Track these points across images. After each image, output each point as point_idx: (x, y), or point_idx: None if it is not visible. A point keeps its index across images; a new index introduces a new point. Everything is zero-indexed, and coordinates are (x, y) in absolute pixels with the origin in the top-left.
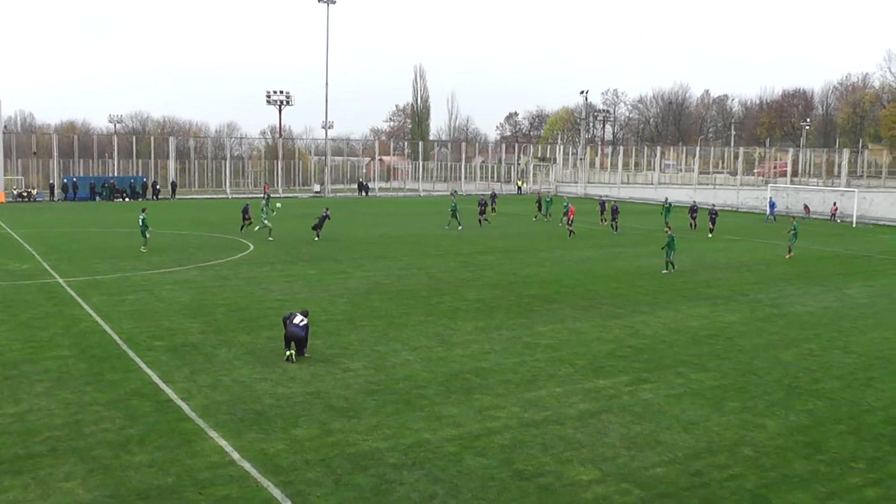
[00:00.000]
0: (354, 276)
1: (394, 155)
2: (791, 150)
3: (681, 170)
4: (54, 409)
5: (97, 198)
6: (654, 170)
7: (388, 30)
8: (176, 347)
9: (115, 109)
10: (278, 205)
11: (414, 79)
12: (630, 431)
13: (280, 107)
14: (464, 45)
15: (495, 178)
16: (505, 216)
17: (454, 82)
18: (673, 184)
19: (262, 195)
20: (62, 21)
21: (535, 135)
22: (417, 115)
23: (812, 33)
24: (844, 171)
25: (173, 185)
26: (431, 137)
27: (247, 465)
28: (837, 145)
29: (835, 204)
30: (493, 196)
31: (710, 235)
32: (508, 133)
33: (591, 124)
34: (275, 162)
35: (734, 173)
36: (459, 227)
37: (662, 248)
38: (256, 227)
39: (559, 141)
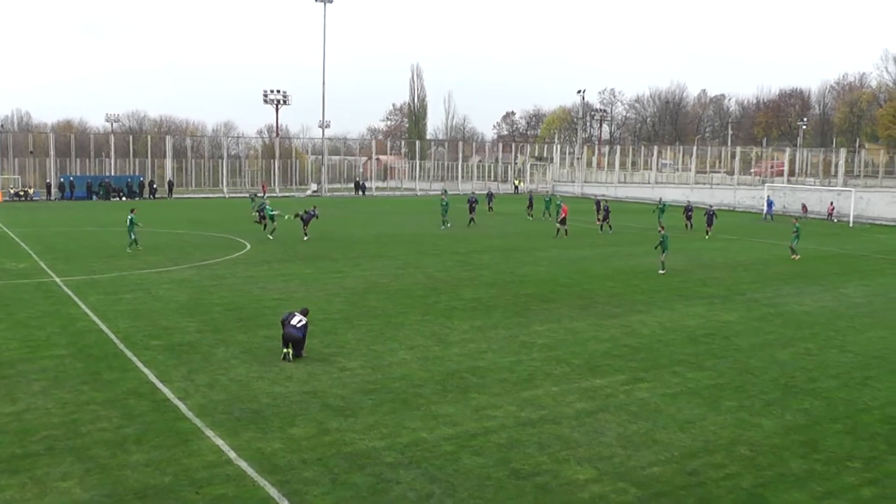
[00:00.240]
0: (351, 276)
1: (391, 154)
2: (788, 150)
3: (678, 169)
4: (51, 409)
5: (94, 197)
6: (650, 169)
7: (386, 29)
8: (173, 346)
9: (111, 108)
10: (276, 212)
11: (411, 78)
12: (626, 430)
13: (277, 106)
14: (461, 44)
15: (492, 178)
16: (502, 215)
17: (451, 81)
18: (670, 183)
19: (261, 194)
20: (60, 20)
21: (532, 134)
22: (414, 115)
23: (809, 33)
24: (841, 170)
25: (170, 185)
26: (428, 137)
27: (243, 465)
28: (834, 145)
29: (832, 203)
30: (490, 195)
31: (706, 236)
32: (505, 132)
33: (587, 124)
34: (272, 161)
35: (731, 173)
36: (448, 226)
37: (656, 248)
38: (270, 233)
39: (556, 140)
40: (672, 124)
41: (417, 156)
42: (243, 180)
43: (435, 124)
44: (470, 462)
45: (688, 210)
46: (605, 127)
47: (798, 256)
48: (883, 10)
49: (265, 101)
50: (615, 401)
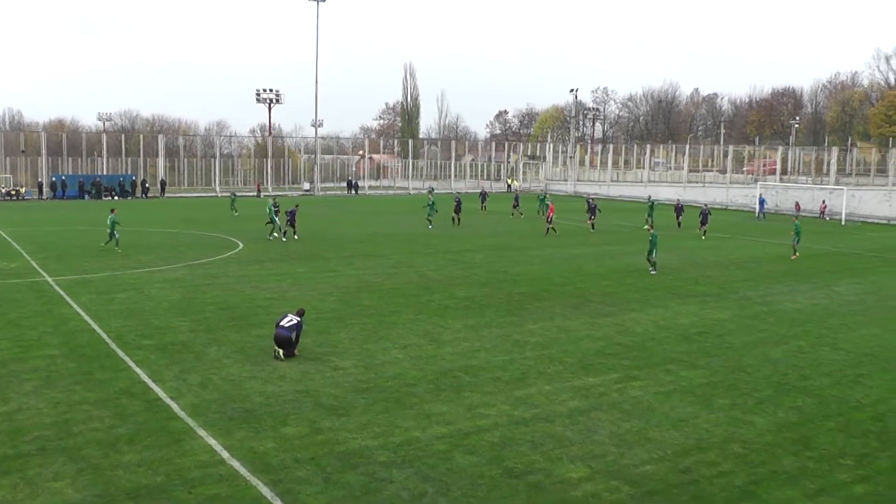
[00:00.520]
0: (344, 275)
1: (383, 153)
2: (780, 149)
3: (670, 168)
4: (43, 409)
5: (86, 196)
6: (643, 168)
7: (379, 28)
8: (165, 346)
9: (104, 107)
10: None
11: (404, 77)
12: (619, 429)
13: (270, 105)
14: (454, 43)
15: (485, 177)
16: (495, 214)
17: (444, 80)
18: (663, 182)
19: (254, 193)
20: (52, 19)
21: (525, 133)
22: (407, 114)
23: (802, 32)
24: (833, 168)
25: (162, 184)
26: (421, 135)
27: (236, 464)
28: (826, 143)
29: (824, 202)
30: (484, 195)
31: (703, 237)
32: (498, 131)
33: (580, 122)
34: (264, 160)
35: (724, 171)
36: (430, 227)
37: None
38: (275, 234)
39: (549, 139)
40: (665, 123)
41: (410, 155)
42: (236, 179)
43: (428, 123)
44: (463, 461)
45: (678, 209)
46: (598, 126)
47: (796, 255)
48: (875, 10)
49: (258, 101)
50: (608, 399)
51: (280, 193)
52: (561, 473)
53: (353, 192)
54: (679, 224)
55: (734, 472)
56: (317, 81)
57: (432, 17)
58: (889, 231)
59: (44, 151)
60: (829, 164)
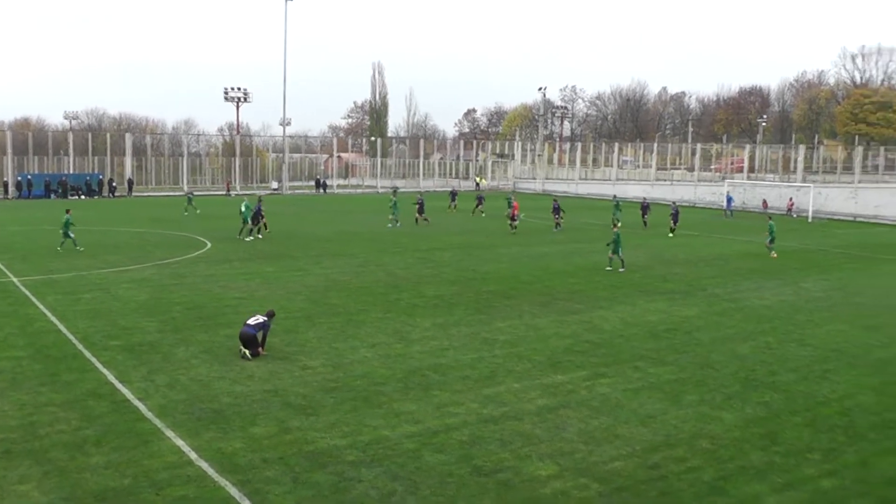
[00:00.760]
0: (312, 274)
1: (352, 152)
2: (748, 147)
3: (638, 166)
4: (8, 411)
5: (52, 195)
6: (611, 166)
7: (347, 27)
8: (133, 347)
9: (70, 106)
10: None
11: (372, 75)
12: (588, 426)
13: (238, 104)
14: (422, 41)
15: (454, 175)
16: (464, 213)
17: (412, 79)
18: (631, 180)
19: (224, 192)
20: (15, 17)
21: (494, 131)
22: (376, 112)
23: (769, 31)
24: (800, 166)
25: (130, 183)
26: (390, 134)
27: (204, 465)
28: (793, 141)
29: (791, 199)
30: (454, 193)
31: (671, 234)
32: (467, 129)
33: (549, 121)
34: (232, 159)
35: (691, 169)
36: (397, 224)
37: (608, 245)
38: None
39: (517, 137)
40: (633, 121)
41: (379, 153)
42: (204, 178)
43: (396, 122)
44: (432, 459)
45: (644, 207)
46: (567, 124)
47: (775, 254)
48: (841, 9)
49: (226, 99)
50: (577, 397)
51: (248, 192)
52: (530, 471)
53: (322, 190)
54: (645, 223)
55: (702, 467)
56: (285, 80)
57: (401, 15)
58: (855, 228)
59: (9, 150)
60: (796, 161)
